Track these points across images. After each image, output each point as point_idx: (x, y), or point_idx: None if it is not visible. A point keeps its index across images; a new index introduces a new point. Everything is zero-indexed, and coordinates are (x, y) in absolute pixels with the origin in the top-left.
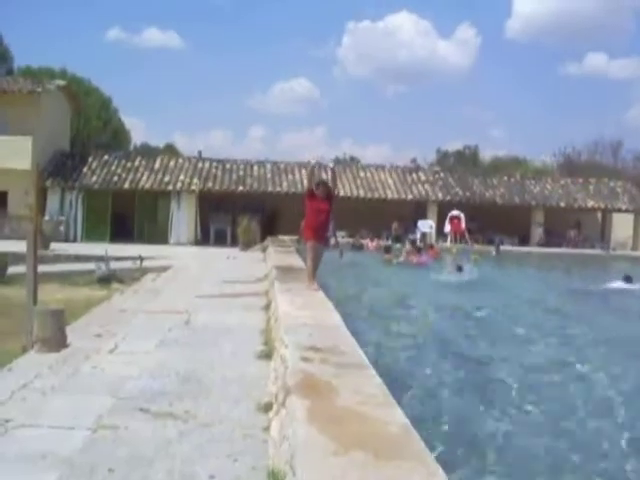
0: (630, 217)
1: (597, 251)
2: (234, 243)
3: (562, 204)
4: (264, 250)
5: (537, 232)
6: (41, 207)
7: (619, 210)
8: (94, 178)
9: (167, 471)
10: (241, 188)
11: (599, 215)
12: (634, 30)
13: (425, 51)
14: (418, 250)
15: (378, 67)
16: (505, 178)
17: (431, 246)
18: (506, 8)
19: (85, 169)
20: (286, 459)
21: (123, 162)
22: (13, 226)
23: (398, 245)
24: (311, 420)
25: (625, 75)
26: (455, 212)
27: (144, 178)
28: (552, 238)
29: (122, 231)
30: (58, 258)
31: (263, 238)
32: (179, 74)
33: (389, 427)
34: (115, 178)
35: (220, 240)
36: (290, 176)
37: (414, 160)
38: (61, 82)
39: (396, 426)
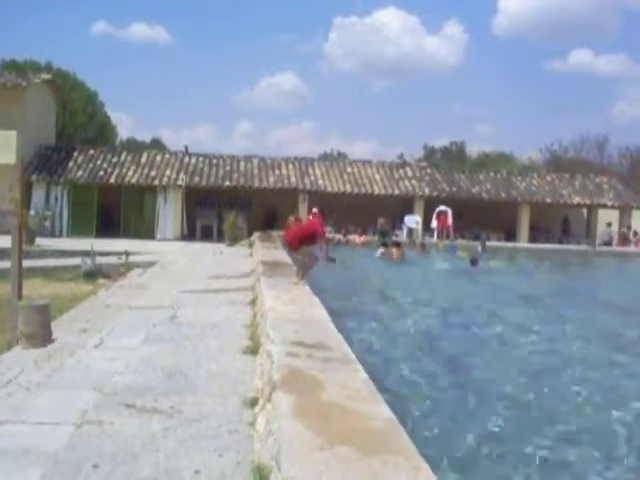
0: (615, 213)
1: (583, 247)
2: (220, 238)
3: (548, 200)
4: (251, 245)
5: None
6: (26, 202)
7: (605, 206)
8: (80, 173)
9: (152, 466)
10: (228, 183)
11: (585, 211)
12: (619, 26)
13: (412, 47)
14: (397, 245)
15: (365, 63)
16: (491, 174)
17: (422, 244)
18: (492, 4)
19: (71, 163)
20: (272, 454)
21: (109, 157)
22: None
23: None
24: (297, 415)
25: (611, 71)
26: (442, 207)
27: (130, 173)
28: (538, 234)
29: (108, 226)
30: (43, 253)
31: (250, 234)
32: (166, 69)
33: (375, 422)
34: (101, 173)
35: (206, 235)
36: (277, 171)
37: (401, 156)
38: (46, 76)
39: (382, 421)
